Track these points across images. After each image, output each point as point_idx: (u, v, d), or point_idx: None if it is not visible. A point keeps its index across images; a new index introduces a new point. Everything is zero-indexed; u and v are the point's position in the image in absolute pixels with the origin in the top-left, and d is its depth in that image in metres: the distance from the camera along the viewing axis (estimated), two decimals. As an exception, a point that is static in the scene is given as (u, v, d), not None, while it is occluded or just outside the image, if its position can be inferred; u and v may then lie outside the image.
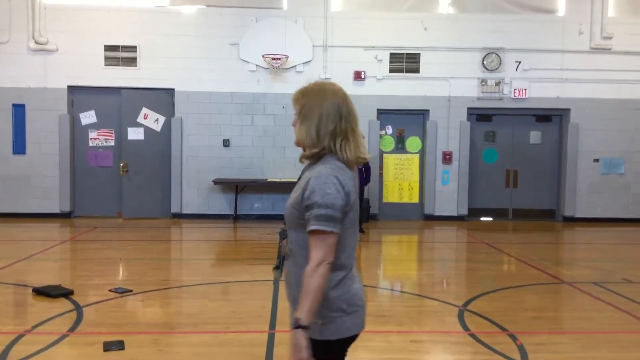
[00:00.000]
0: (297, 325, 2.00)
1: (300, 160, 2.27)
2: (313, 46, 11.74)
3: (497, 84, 12.08)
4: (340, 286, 2.14)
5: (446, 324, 5.20)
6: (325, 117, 2.16)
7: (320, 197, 2.04)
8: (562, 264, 8.19)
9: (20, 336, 4.61)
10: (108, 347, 4.38)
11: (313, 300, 2.01)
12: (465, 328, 5.05)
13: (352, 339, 2.19)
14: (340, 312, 2.12)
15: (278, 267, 2.29)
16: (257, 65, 11.65)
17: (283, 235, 2.27)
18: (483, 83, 12.07)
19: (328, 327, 2.10)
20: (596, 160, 12.31)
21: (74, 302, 5.61)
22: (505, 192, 12.66)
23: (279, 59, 11.32)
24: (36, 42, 11.37)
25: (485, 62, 12.05)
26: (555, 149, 12.59)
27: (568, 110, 12.25)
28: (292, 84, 11.66)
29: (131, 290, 6.12)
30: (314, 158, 2.20)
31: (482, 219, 12.57)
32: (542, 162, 12.59)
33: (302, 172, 2.32)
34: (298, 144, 2.26)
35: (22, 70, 11.44)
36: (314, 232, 2.05)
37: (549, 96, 12.14)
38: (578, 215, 12.29)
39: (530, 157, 12.57)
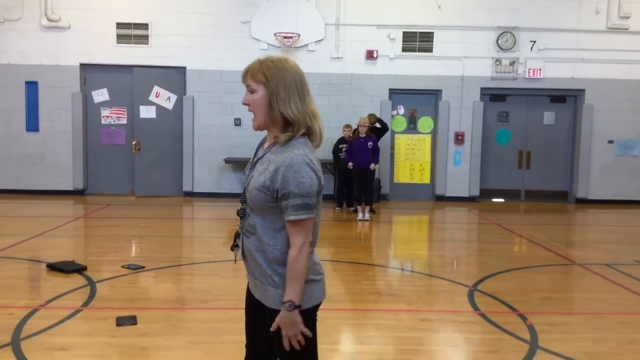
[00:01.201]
0: (292, 307, 2.10)
1: (276, 142, 2.18)
2: (325, 24, 11.65)
3: (512, 63, 11.94)
4: (309, 258, 2.21)
5: (456, 304, 5.21)
6: (302, 95, 2.16)
7: (296, 186, 2.06)
8: (574, 246, 8.15)
9: (35, 310, 4.68)
10: (121, 322, 4.44)
11: (301, 281, 2.11)
12: (475, 308, 5.06)
13: (319, 305, 2.30)
14: (310, 282, 2.22)
15: (237, 246, 2.31)
16: (268, 43, 11.58)
17: (241, 214, 2.28)
18: (497, 63, 11.94)
19: (302, 297, 2.17)
20: (610, 142, 12.19)
21: (88, 278, 5.68)
22: (517, 173, 12.59)
23: (291, 37, 11.25)
24: (48, 19, 11.37)
25: (499, 42, 11.90)
26: (569, 130, 12.47)
27: (583, 90, 12.11)
28: (304, 63, 11.56)
29: (144, 267, 6.18)
30: (280, 141, 2.16)
31: (494, 200, 12.52)
32: (556, 143, 12.49)
33: (258, 150, 2.29)
34: (263, 126, 2.23)
35: (34, 48, 11.46)
36: (293, 221, 2.09)
37: (564, 76, 11.99)
38: (591, 197, 12.21)
39: (544, 138, 12.46)
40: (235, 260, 2.36)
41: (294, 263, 2.09)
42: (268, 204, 2.14)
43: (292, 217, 2.08)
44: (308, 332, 2.16)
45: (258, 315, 2.31)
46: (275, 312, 2.17)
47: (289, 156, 2.10)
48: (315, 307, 2.27)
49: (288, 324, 2.12)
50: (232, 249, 2.35)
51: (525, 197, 12.63)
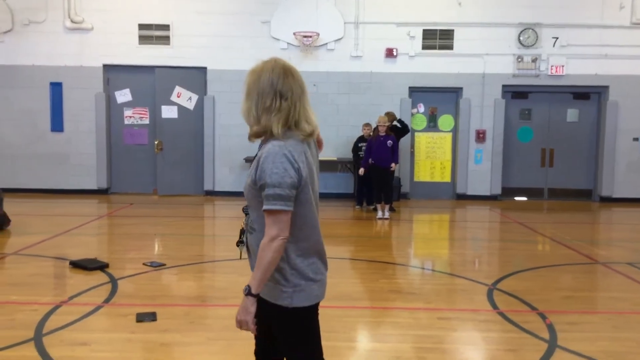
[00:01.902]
0: (247, 293, 2.15)
1: (249, 139, 2.29)
2: (344, 23, 11.65)
3: (534, 60, 11.80)
4: (305, 256, 2.25)
5: (475, 302, 5.18)
6: (261, 95, 2.19)
7: (269, 177, 2.11)
8: (597, 244, 8.04)
9: (57, 307, 4.77)
10: (141, 318, 4.50)
11: (265, 272, 2.13)
12: (494, 306, 5.02)
13: (318, 305, 2.33)
14: (309, 280, 2.25)
15: (243, 242, 2.37)
16: (288, 43, 11.62)
17: (246, 211, 2.35)
18: (519, 60, 11.81)
19: (299, 295, 2.22)
20: (635, 139, 11.98)
21: (109, 275, 5.77)
22: (540, 172, 12.44)
23: (310, 36, 11.28)
24: (72, 21, 11.56)
25: (521, 38, 11.78)
26: (593, 128, 12.28)
27: (607, 87, 11.92)
28: (323, 62, 11.62)
29: (165, 264, 6.26)
30: (265, 136, 2.23)
31: (517, 198, 12.39)
32: (579, 140, 12.32)
33: (258, 150, 2.36)
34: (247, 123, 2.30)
35: (58, 49, 11.66)
36: (266, 212, 2.12)
37: (587, 73, 11.82)
38: (616, 195, 12.02)
39: (567, 135, 12.30)
40: (241, 256, 2.40)
41: (261, 252, 2.12)
42: (258, 198, 2.19)
43: (265, 207, 2.12)
44: (253, 329, 2.19)
45: (260, 310, 2.33)
46: (275, 307, 2.21)
47: (267, 147, 2.17)
48: (314, 306, 2.30)
49: (241, 308, 2.17)
50: (237, 245, 2.40)
51: (548, 195, 12.48)
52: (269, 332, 2.34)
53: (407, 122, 11.04)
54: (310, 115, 2.26)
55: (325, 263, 2.37)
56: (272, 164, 2.11)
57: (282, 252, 2.14)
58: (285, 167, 2.11)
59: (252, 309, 2.15)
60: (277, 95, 2.19)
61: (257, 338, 2.46)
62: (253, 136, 2.28)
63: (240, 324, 2.20)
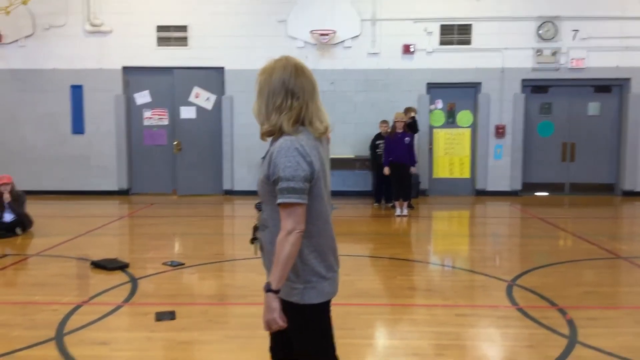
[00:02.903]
0: (268, 289, 2.14)
1: (261, 138, 2.33)
2: (361, 20, 11.61)
3: (553, 53, 11.65)
4: (318, 252, 2.25)
5: (493, 298, 5.14)
6: (271, 94, 2.23)
7: (282, 170, 2.12)
8: (620, 239, 7.91)
9: (78, 306, 4.84)
10: (160, 317, 4.55)
11: (284, 266, 2.12)
12: (513, 302, 4.98)
13: (330, 301, 2.33)
14: (320, 277, 2.25)
15: (257, 239, 2.38)
16: (305, 41, 11.63)
17: (259, 207, 2.35)
18: (538, 53, 11.67)
19: (310, 292, 2.23)
20: (659, 132, 11.77)
21: (129, 275, 5.83)
22: (562, 166, 12.28)
23: (327, 34, 11.27)
24: (91, 25, 11.70)
25: (540, 32, 11.63)
26: (614, 121, 12.09)
27: (629, 80, 11.72)
28: (340, 60, 11.61)
29: (184, 264, 6.31)
30: (276, 133, 2.25)
31: (537, 194, 12.25)
32: (601, 134, 12.13)
33: (270, 147, 2.37)
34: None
35: (78, 52, 11.82)
36: (281, 205, 2.13)
37: (608, 65, 11.63)
38: (639, 189, 11.81)
39: (589, 129, 12.12)
40: (256, 253, 2.41)
41: (278, 246, 2.12)
42: (272, 193, 2.19)
43: (279, 200, 2.13)
44: (283, 324, 2.19)
45: None
46: (287, 304, 2.21)
47: (279, 142, 2.19)
48: (325, 303, 2.30)
49: (265, 307, 2.17)
50: (251, 242, 2.40)
51: (570, 190, 12.31)
52: (281, 331, 2.35)
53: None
54: (322, 113, 2.29)
55: (337, 259, 2.37)
56: (285, 157, 2.13)
57: (299, 245, 2.14)
58: (297, 160, 2.13)
59: (275, 304, 2.15)
60: (288, 94, 2.22)
61: (272, 334, 2.47)
62: (265, 135, 2.31)
63: (269, 324, 2.19)
